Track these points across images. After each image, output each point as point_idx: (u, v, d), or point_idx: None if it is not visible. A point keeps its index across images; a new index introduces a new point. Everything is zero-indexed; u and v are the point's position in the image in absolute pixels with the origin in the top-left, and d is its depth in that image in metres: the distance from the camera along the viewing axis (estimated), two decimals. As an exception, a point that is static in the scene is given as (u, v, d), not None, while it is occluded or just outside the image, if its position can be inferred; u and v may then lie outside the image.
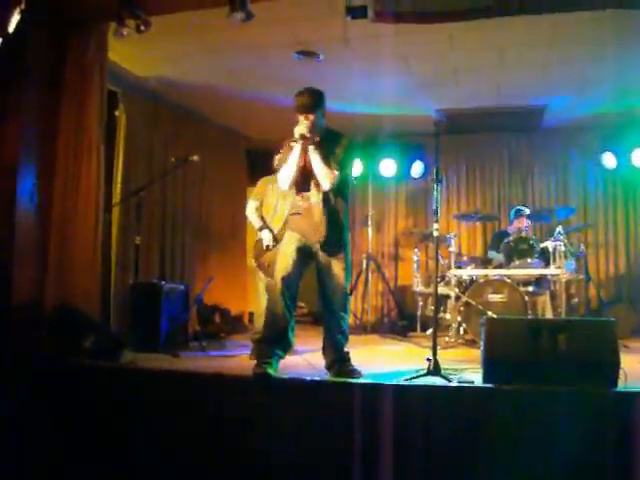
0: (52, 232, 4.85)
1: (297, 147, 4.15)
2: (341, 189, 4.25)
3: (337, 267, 4.17)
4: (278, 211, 5.36)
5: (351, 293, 8.08)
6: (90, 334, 4.58)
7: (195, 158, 5.78)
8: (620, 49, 5.58)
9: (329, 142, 4.21)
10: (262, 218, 5.49)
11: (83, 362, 4.38)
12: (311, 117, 4.13)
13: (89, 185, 4.95)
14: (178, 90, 6.85)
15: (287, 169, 4.19)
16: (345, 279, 4.20)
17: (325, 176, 4.10)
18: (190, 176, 7.32)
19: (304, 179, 4.21)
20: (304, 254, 4.18)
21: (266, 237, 5.37)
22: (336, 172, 4.11)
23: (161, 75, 6.47)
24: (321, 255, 4.18)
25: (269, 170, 5.44)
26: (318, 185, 4.17)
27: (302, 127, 4.13)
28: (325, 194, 4.17)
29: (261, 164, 6.05)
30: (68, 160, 4.96)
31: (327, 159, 4.14)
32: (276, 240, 5.28)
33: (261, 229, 5.44)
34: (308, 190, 4.20)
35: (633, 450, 3.21)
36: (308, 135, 4.12)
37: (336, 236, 4.18)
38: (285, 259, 4.15)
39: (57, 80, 4.97)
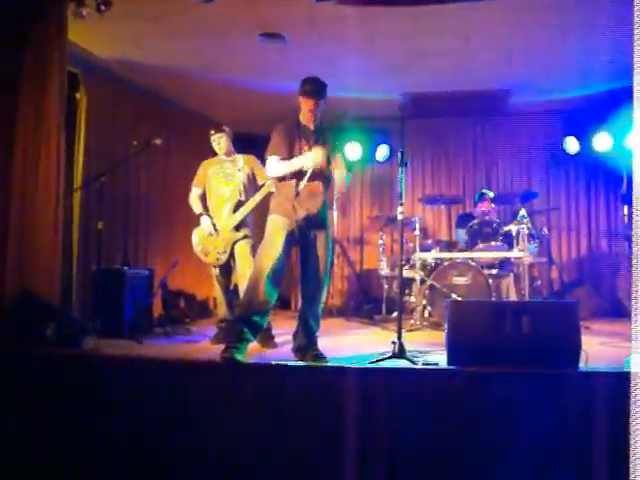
0: (11, 218, 4.72)
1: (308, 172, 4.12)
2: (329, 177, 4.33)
3: (322, 250, 4.20)
4: (220, 192, 5.34)
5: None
6: (52, 321, 4.51)
7: (158, 142, 5.70)
8: (583, 35, 5.63)
9: (326, 132, 4.32)
10: (205, 204, 5.45)
11: (45, 349, 4.32)
12: (319, 103, 4.23)
13: (49, 169, 4.83)
14: (141, 72, 6.72)
15: (286, 167, 4.17)
16: (327, 266, 4.24)
17: (343, 184, 4.34)
18: (154, 160, 7.22)
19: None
20: (292, 238, 4.16)
21: (204, 223, 5.34)
22: (345, 174, 4.32)
23: (123, 57, 6.33)
24: (308, 234, 4.19)
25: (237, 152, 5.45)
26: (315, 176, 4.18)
27: (318, 158, 4.10)
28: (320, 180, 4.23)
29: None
30: (27, 144, 4.82)
31: (329, 151, 4.22)
32: (215, 227, 5.27)
33: (200, 215, 5.40)
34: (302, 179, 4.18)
35: (594, 429, 3.26)
36: (325, 165, 4.15)
37: (324, 214, 4.28)
38: (274, 245, 4.09)
39: (14, 61, 4.83)
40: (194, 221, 5.46)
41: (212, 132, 5.43)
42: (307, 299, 4.28)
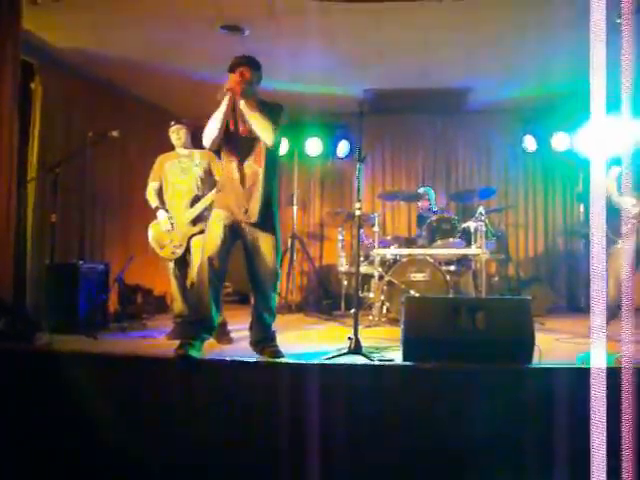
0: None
1: (225, 100, 3.93)
2: (272, 161, 4.16)
3: (266, 245, 4.08)
4: (177, 187, 5.28)
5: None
6: (2, 316, 4.42)
7: (115, 134, 5.60)
8: (542, 34, 5.69)
9: (264, 111, 4.01)
10: (162, 198, 5.38)
11: (-5, 345, 4.23)
12: (245, 73, 3.97)
13: (1, 161, 4.73)
14: (98, 63, 6.60)
15: (212, 122, 3.97)
16: (275, 257, 4.13)
17: (265, 128, 3.92)
18: (110, 151, 7.10)
19: (235, 145, 4.08)
20: (232, 232, 4.07)
21: (161, 217, 5.28)
22: (274, 126, 3.94)
23: (80, 46, 6.21)
24: (249, 232, 4.08)
25: (194, 147, 5.38)
26: (251, 154, 4.06)
27: (230, 81, 3.92)
28: (257, 169, 4.06)
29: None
30: (-22, 134, 4.73)
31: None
32: (171, 220, 5.22)
33: (156, 209, 5.34)
34: (240, 159, 4.07)
35: (546, 423, 3.30)
36: (237, 88, 3.89)
37: (266, 211, 4.08)
38: (212, 239, 4.03)
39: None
40: (151, 214, 5.39)
41: (172, 123, 5.38)
42: (256, 294, 4.21)
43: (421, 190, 7.44)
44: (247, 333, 4.35)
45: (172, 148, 5.46)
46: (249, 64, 4.03)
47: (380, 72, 6.95)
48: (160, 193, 5.39)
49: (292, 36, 5.85)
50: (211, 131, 3.98)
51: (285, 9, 5.24)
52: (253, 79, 4.03)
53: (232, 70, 4.00)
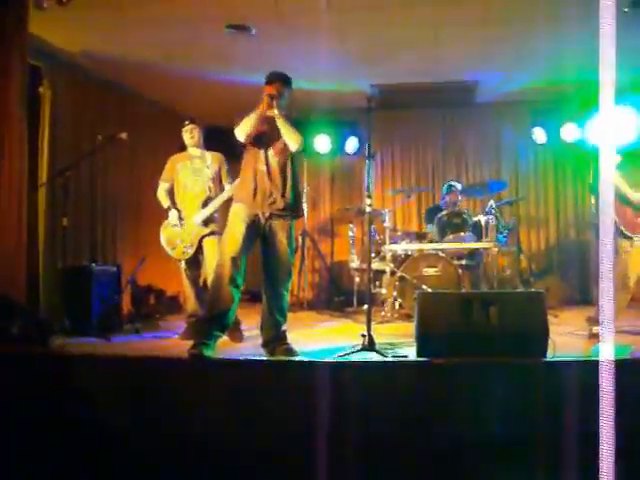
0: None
1: (264, 102, 4.15)
2: (294, 156, 4.32)
3: (283, 241, 4.17)
4: (189, 188, 5.29)
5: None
6: (17, 319, 4.43)
7: (123, 136, 5.60)
8: (551, 27, 5.65)
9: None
10: (172, 198, 5.41)
11: (11, 348, 4.23)
12: (281, 87, 4.22)
13: (11, 165, 4.75)
14: (106, 65, 6.62)
15: (248, 119, 4.16)
16: (290, 255, 4.22)
17: (292, 135, 4.18)
18: (120, 154, 7.12)
19: (261, 139, 4.23)
20: (253, 230, 4.13)
21: (172, 216, 5.30)
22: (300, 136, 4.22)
23: (88, 49, 6.23)
24: (269, 228, 4.16)
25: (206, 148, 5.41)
26: (276, 148, 4.21)
27: (270, 88, 4.19)
28: (284, 161, 4.22)
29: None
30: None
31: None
32: (182, 219, 5.23)
33: (168, 209, 5.36)
34: (266, 151, 4.22)
35: (561, 417, 3.29)
36: (276, 95, 4.16)
37: (294, 201, 4.24)
38: (234, 239, 4.07)
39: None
40: (162, 215, 5.40)
41: (186, 123, 5.39)
42: (269, 291, 4.25)
43: (448, 185, 7.35)
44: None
45: (182, 149, 5.48)
46: (284, 80, 4.31)
47: (389, 68, 6.92)
48: (171, 194, 5.40)
49: (300, 34, 5.85)
50: (247, 126, 4.17)
51: (291, 7, 5.22)
52: (285, 94, 4.28)
53: (269, 82, 4.24)
